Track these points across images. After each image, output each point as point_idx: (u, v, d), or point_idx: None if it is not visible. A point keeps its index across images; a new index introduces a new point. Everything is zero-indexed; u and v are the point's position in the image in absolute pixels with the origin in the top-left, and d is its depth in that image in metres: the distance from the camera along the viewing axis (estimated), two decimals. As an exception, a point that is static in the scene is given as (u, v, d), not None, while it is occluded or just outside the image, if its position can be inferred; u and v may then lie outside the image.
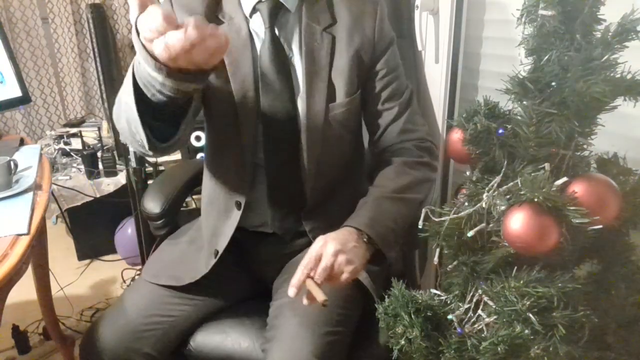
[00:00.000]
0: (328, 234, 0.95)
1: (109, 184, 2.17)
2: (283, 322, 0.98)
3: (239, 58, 1.05)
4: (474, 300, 0.80)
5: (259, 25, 1.05)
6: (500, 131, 0.76)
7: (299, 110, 1.05)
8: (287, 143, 1.06)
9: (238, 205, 1.10)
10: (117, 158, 2.20)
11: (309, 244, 1.09)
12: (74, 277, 2.25)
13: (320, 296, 0.86)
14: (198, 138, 1.83)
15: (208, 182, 1.19)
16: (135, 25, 0.71)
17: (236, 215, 1.10)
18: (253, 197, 1.10)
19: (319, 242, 0.93)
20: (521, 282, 0.71)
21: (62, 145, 2.38)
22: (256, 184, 1.09)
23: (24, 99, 1.59)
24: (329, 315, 0.97)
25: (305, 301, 0.90)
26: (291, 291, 0.89)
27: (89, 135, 2.43)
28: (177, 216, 1.34)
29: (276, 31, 1.05)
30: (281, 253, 1.15)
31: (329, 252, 0.91)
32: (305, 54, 1.04)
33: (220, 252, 1.10)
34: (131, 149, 1.74)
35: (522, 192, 0.68)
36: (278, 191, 1.09)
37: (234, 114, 1.06)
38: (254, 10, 1.05)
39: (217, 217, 1.13)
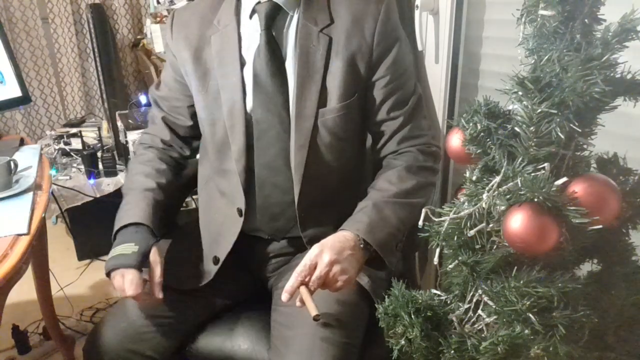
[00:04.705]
0: (324, 241, 0.95)
1: (109, 184, 2.17)
2: (297, 333, 0.97)
3: (228, 69, 1.06)
4: (474, 300, 0.80)
5: (256, 28, 1.05)
6: (501, 131, 0.76)
7: (291, 113, 1.04)
8: (274, 146, 1.06)
9: (239, 212, 1.10)
10: (117, 158, 2.20)
11: (304, 245, 1.09)
12: (74, 277, 2.24)
13: (312, 310, 0.87)
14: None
15: (204, 187, 1.18)
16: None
17: (238, 222, 1.10)
18: (250, 204, 1.10)
19: (315, 250, 0.93)
20: (521, 282, 0.71)
21: (62, 145, 2.38)
22: (251, 188, 1.09)
23: (24, 99, 1.59)
24: (342, 325, 0.97)
25: (298, 304, 0.91)
26: (284, 296, 0.90)
27: (89, 135, 2.43)
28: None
29: (273, 33, 1.04)
30: (278, 254, 1.15)
31: (325, 261, 0.91)
32: (299, 57, 1.03)
33: (222, 259, 1.10)
34: (131, 149, 1.74)
35: (522, 192, 0.68)
36: (269, 196, 1.09)
37: (224, 120, 1.07)
38: (253, 11, 1.06)
39: (219, 223, 1.13)
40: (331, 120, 1.04)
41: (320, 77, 1.03)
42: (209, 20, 1.11)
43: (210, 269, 1.11)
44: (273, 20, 1.04)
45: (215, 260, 1.11)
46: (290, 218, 1.09)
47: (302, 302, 0.90)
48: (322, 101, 1.03)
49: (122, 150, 2.16)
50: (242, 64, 1.06)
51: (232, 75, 1.06)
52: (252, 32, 1.06)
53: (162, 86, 1.22)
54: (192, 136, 1.21)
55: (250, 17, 1.07)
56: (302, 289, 0.90)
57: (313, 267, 0.92)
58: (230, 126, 1.07)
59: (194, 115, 1.17)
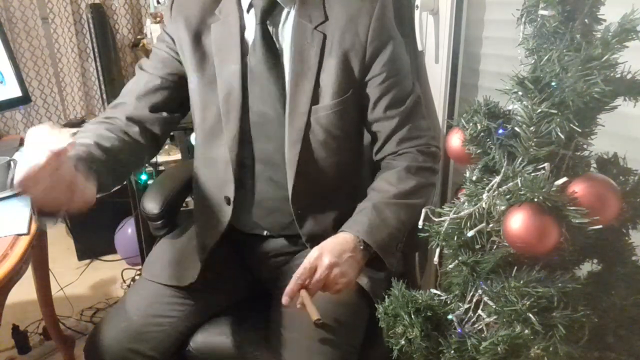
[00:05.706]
0: (324, 244, 0.95)
1: (108, 184, 2.16)
2: (296, 335, 0.97)
3: (228, 56, 1.06)
4: (474, 300, 0.80)
5: (253, 22, 1.05)
6: (500, 131, 0.76)
7: (285, 110, 1.04)
8: (273, 141, 1.06)
9: (227, 200, 1.09)
10: (117, 158, 2.20)
11: (304, 244, 1.09)
12: (74, 277, 2.25)
13: (313, 315, 0.87)
14: (198, 138, 1.83)
15: (198, 178, 1.18)
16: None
17: (227, 210, 1.09)
18: (243, 196, 1.09)
19: (315, 253, 0.93)
20: (521, 282, 0.71)
21: (62, 145, 2.37)
22: (245, 182, 1.09)
23: (24, 99, 1.59)
24: (341, 326, 0.97)
25: (298, 306, 0.91)
26: (284, 299, 0.90)
27: (89, 135, 2.43)
28: (176, 216, 1.34)
29: (270, 28, 1.04)
30: (278, 254, 1.15)
31: (324, 264, 0.91)
32: (293, 53, 1.03)
33: (210, 246, 1.09)
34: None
35: (522, 192, 0.68)
36: (264, 191, 1.09)
37: (219, 109, 1.06)
38: (250, 5, 1.06)
39: (208, 212, 1.13)
40: (325, 118, 1.04)
41: (313, 74, 1.03)
42: (210, 9, 1.09)
43: (201, 258, 1.11)
44: (269, 15, 1.04)
45: (204, 247, 1.10)
46: (287, 213, 1.09)
47: (303, 305, 0.90)
48: (316, 98, 1.03)
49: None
50: (244, 52, 1.05)
51: (231, 62, 1.05)
52: (253, 25, 1.06)
53: (150, 58, 1.16)
54: (169, 110, 1.11)
55: (247, 11, 1.06)
56: (303, 292, 0.90)
57: (313, 270, 0.92)
58: (226, 112, 1.05)
59: (178, 89, 1.11)
